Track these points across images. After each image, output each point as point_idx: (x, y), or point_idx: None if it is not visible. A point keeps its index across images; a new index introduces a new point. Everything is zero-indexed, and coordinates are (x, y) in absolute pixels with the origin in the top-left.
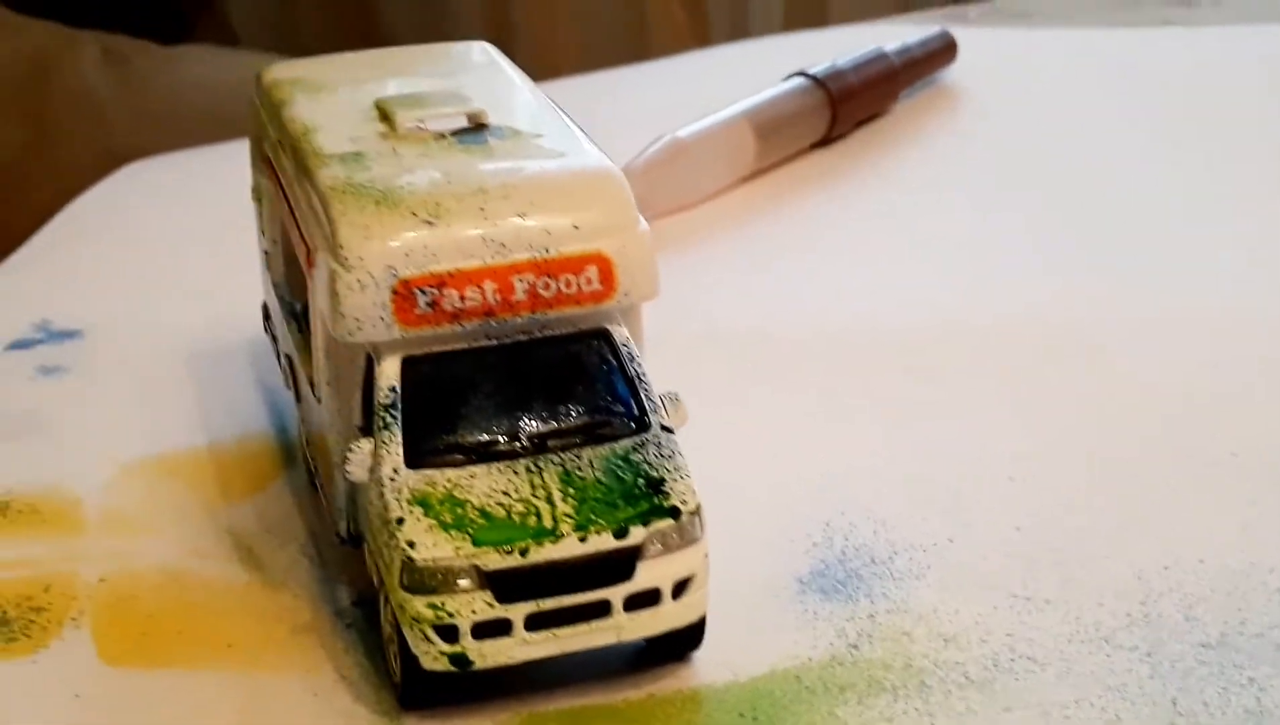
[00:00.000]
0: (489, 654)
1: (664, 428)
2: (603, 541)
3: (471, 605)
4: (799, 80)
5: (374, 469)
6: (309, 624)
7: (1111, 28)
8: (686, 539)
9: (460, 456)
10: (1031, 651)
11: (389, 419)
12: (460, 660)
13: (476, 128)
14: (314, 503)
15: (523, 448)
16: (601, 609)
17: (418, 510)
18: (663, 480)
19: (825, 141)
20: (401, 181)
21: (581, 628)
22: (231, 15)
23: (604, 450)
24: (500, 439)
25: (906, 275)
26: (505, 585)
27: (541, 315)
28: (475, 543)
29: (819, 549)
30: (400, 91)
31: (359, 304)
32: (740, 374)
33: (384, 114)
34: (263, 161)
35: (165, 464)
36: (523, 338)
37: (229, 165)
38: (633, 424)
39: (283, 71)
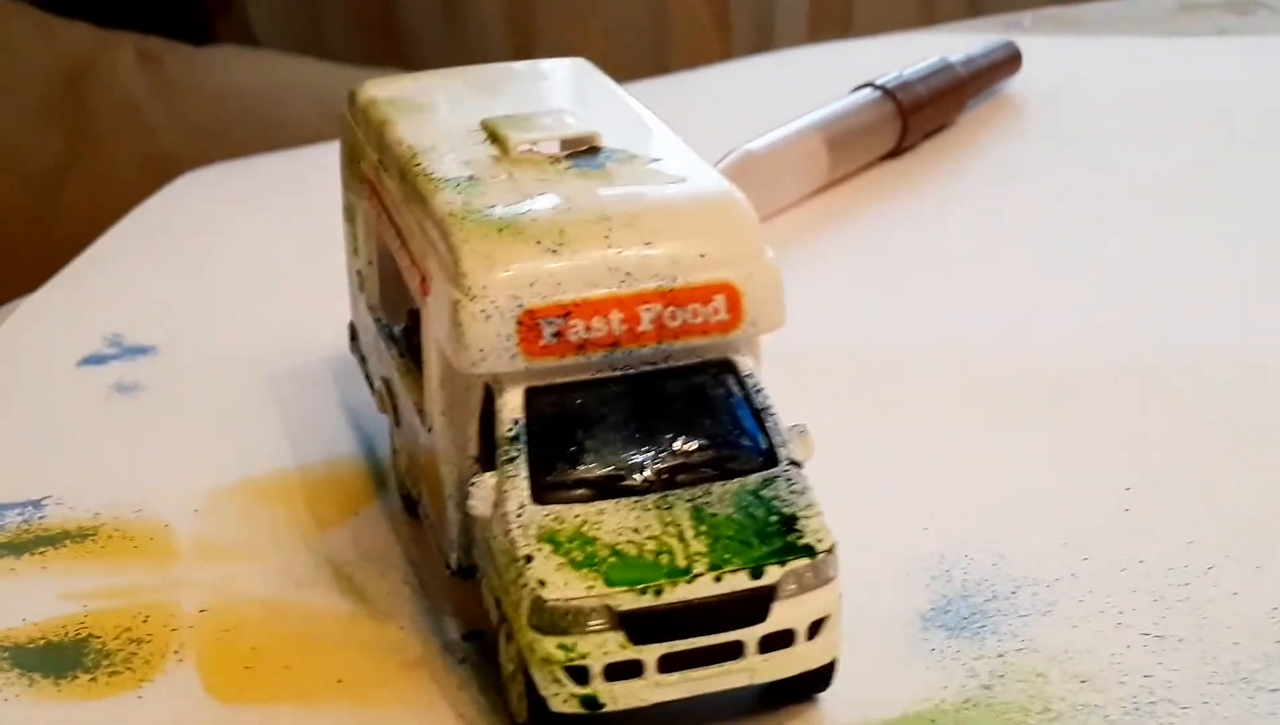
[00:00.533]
0: (620, 696)
1: (792, 462)
2: (738, 581)
3: (604, 647)
4: (869, 92)
5: (498, 504)
6: (419, 658)
7: (1166, 36)
8: (821, 579)
9: (587, 491)
10: (1171, 694)
11: (513, 453)
12: (591, 703)
13: (590, 150)
14: (412, 530)
15: (651, 483)
16: (735, 650)
17: (546, 548)
18: (795, 518)
19: (893, 154)
20: (523, 208)
21: (714, 669)
22: (251, 15)
23: (734, 486)
24: (628, 474)
25: (994, 294)
26: (638, 626)
27: (667, 346)
28: (608, 582)
29: (937, 583)
30: (504, 112)
31: (483, 334)
32: (831, 397)
33: (493, 136)
34: (360, 182)
35: (254, 488)
36: (647, 368)
37: (287, 175)
38: (761, 458)
39: (378, 90)
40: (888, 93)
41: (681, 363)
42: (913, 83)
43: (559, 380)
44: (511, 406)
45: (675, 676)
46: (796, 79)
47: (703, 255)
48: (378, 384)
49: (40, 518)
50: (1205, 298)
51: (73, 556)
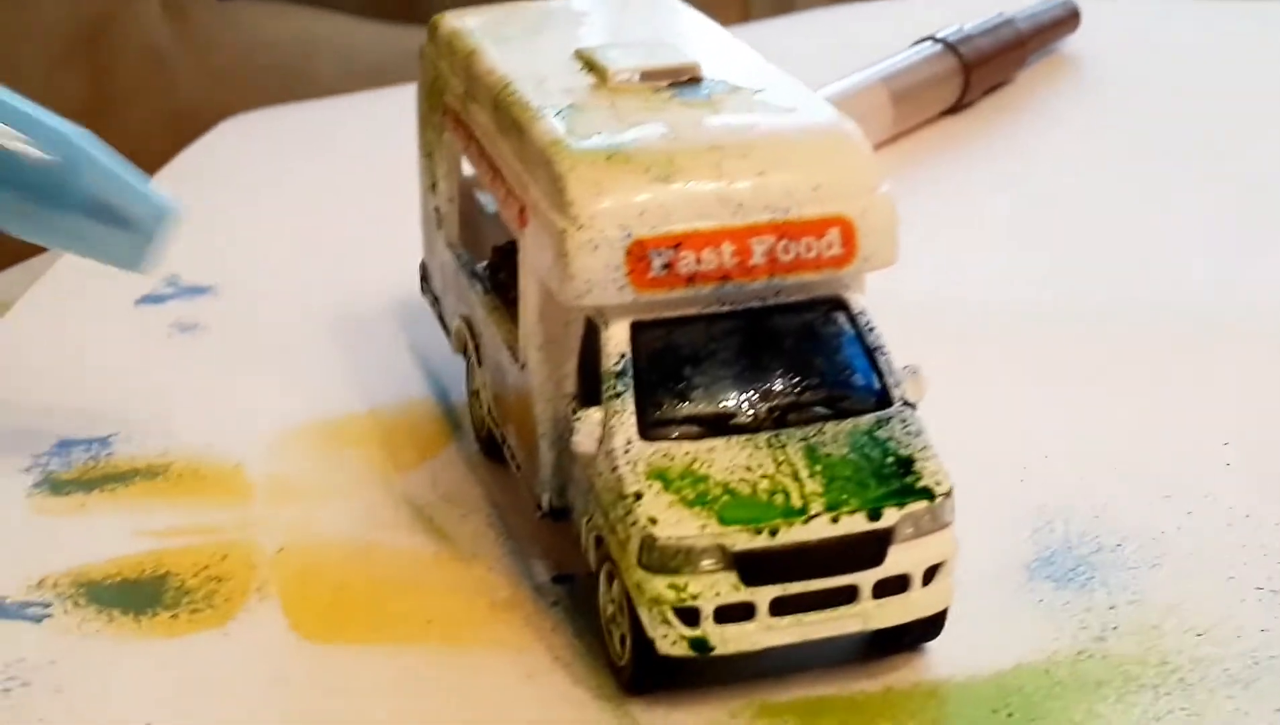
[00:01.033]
0: (731, 639)
1: (906, 403)
2: (855, 523)
3: (716, 588)
4: (931, 45)
5: (603, 440)
6: (510, 600)
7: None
8: (938, 523)
9: (696, 428)
10: None
11: (620, 388)
12: (701, 645)
13: (691, 81)
14: (491, 473)
15: (761, 421)
16: (848, 595)
17: (656, 485)
18: (912, 459)
19: (953, 109)
20: (630, 137)
21: (827, 614)
22: None
23: (847, 426)
24: (738, 411)
25: (1068, 248)
26: (752, 567)
27: (779, 280)
28: (722, 521)
29: (1040, 535)
30: (597, 42)
31: (590, 265)
32: (914, 347)
33: (589, 65)
34: (443, 115)
35: (324, 429)
36: (756, 304)
37: (329, 122)
38: (874, 399)
39: (460, 21)
40: (950, 46)
41: (792, 299)
42: (975, 37)
43: (666, 314)
44: (617, 340)
45: (787, 620)
46: (837, 36)
47: (817, 187)
48: (455, 324)
49: (108, 454)
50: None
51: (144, 493)
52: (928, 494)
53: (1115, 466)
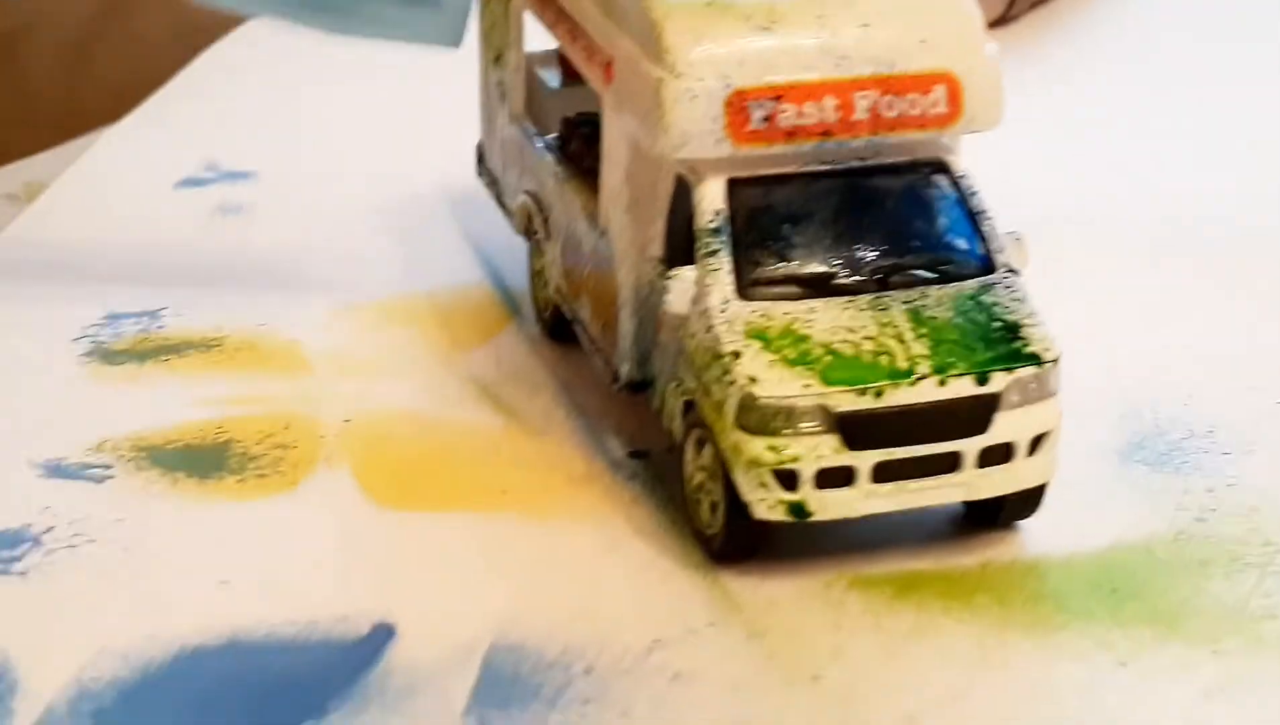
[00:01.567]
0: (830, 505)
1: (1010, 269)
2: (962, 387)
3: (817, 450)
4: None
5: (696, 300)
6: (585, 474)
7: None
8: (1046, 391)
9: (795, 289)
10: None
11: (716, 245)
12: (799, 510)
13: None
14: (556, 353)
15: (863, 283)
16: (952, 462)
17: (755, 344)
18: (1019, 325)
19: (999, 22)
20: None
21: (929, 482)
22: None
23: (951, 290)
24: (839, 272)
25: (1143, 157)
26: (855, 430)
27: (881, 138)
28: (825, 381)
29: (1127, 421)
30: None
31: (688, 115)
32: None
33: None
34: None
35: (381, 309)
36: (855, 164)
37: None
38: (977, 263)
39: None
40: None
41: (893, 160)
42: None
43: (763, 171)
44: (713, 197)
45: (888, 487)
46: None
47: (923, 41)
48: (520, 200)
49: (159, 327)
50: None
51: (200, 365)
52: (1035, 359)
53: (1200, 359)
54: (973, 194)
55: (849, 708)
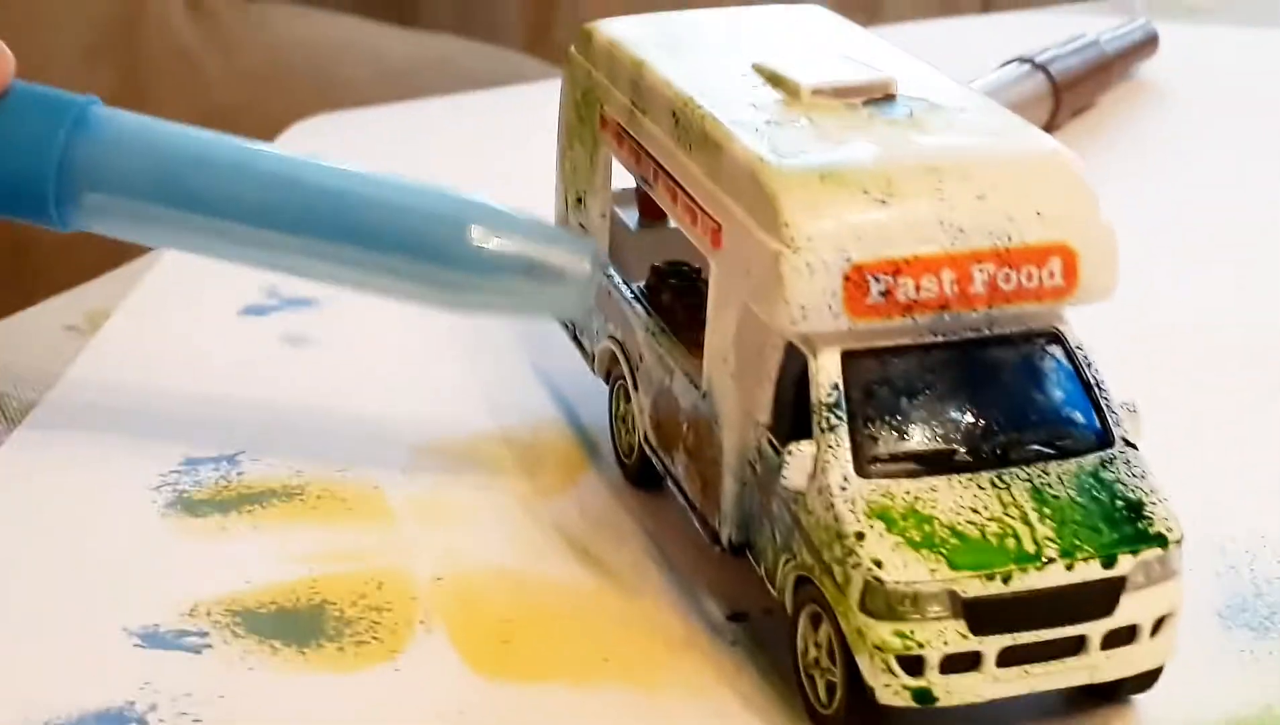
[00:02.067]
0: (955, 690)
1: (1127, 442)
2: (1090, 570)
3: (943, 635)
4: (1019, 65)
5: (814, 475)
6: (685, 638)
7: None
8: (1169, 572)
9: (914, 466)
10: None
11: (834, 421)
12: (924, 696)
13: (887, 98)
14: (639, 500)
15: (983, 460)
16: (1077, 645)
17: (879, 525)
18: (1142, 503)
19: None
20: (842, 156)
21: (1055, 665)
22: None
23: (1071, 466)
24: (959, 448)
25: (1193, 273)
26: (981, 615)
27: (997, 310)
28: (952, 565)
29: (1224, 580)
30: (764, 53)
31: (807, 290)
32: None
33: (774, 79)
34: (600, 128)
35: (458, 450)
36: (971, 336)
37: (403, 125)
38: (1095, 437)
39: (618, 30)
40: (1040, 67)
41: (1008, 331)
42: (1065, 57)
43: (879, 344)
44: (829, 370)
45: (1014, 671)
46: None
47: (1040, 212)
48: (603, 344)
49: (239, 474)
50: None
51: (284, 516)
52: (1161, 541)
53: None
54: (1088, 365)
55: None
